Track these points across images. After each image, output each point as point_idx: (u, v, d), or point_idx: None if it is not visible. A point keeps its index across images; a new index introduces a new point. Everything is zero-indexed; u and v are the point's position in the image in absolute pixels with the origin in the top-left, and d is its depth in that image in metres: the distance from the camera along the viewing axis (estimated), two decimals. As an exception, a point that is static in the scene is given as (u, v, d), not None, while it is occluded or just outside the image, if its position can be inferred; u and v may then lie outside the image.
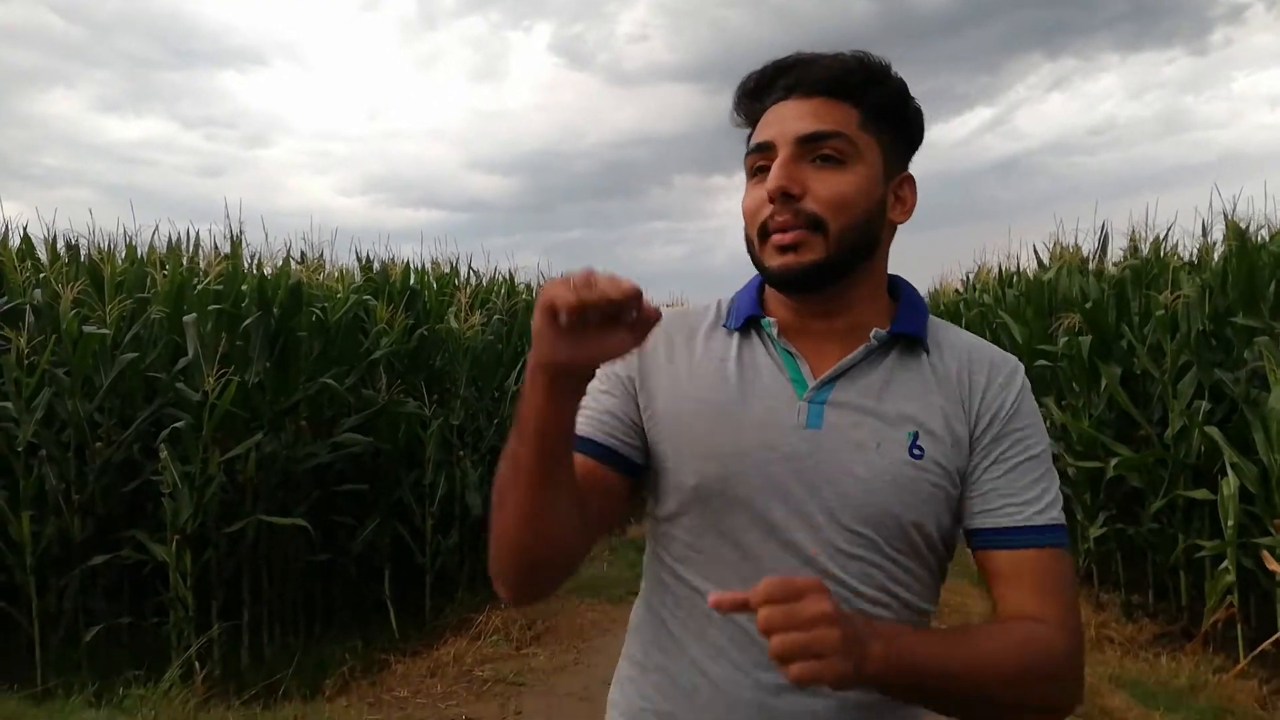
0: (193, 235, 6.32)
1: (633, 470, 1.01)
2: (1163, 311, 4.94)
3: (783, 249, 0.94)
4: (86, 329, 4.37)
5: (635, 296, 0.75)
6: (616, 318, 0.77)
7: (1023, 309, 6.48)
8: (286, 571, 4.89)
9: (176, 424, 4.30)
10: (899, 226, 1.02)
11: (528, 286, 8.09)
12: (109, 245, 5.73)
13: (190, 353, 4.54)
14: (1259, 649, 3.94)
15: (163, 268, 5.32)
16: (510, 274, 8.25)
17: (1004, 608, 0.93)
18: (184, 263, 5.70)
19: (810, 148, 0.94)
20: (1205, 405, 4.62)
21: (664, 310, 1.11)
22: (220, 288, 4.94)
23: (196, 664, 4.04)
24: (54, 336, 4.35)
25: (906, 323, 1.00)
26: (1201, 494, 4.44)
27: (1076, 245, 6.70)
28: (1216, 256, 5.43)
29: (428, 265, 7.31)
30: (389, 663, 4.49)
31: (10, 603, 4.15)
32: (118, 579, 4.53)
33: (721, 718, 0.96)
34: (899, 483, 0.93)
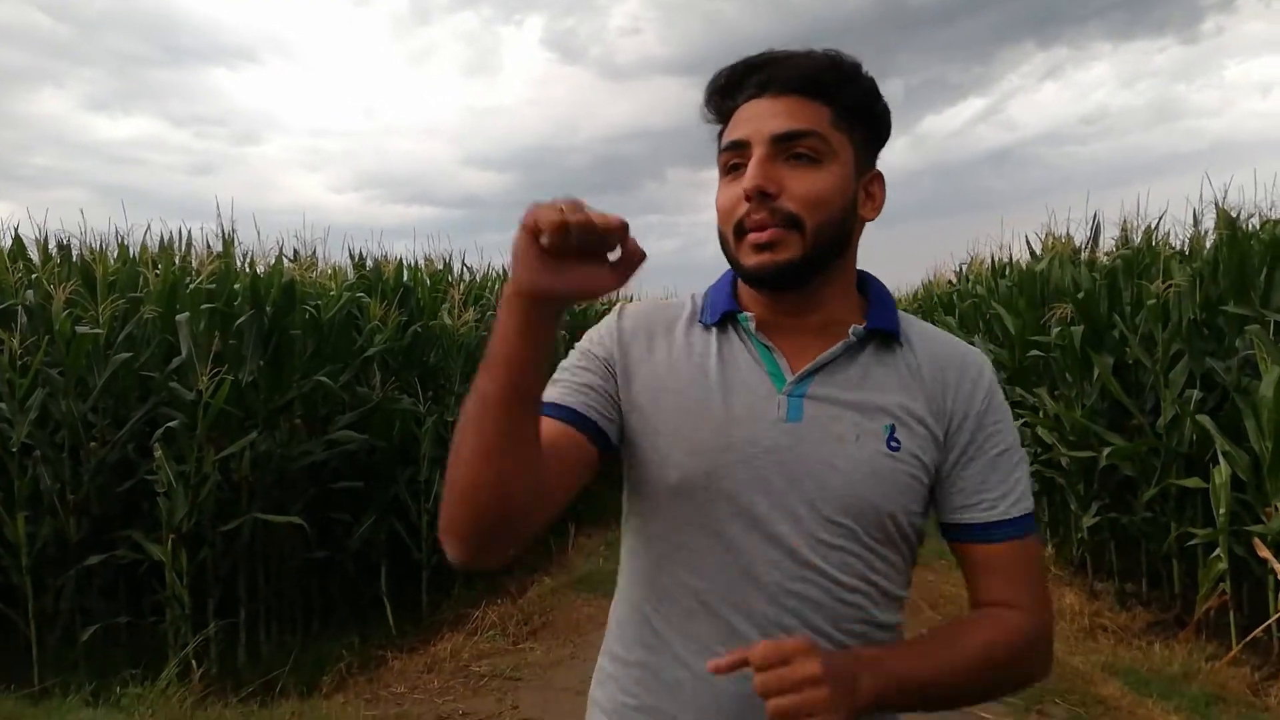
0: (184, 234, 6.32)
1: (605, 445, 1.00)
2: (1154, 301, 4.95)
3: (759, 247, 0.95)
4: (79, 329, 4.37)
5: (621, 229, 0.75)
6: (600, 251, 0.76)
7: (1015, 299, 6.49)
8: (283, 569, 4.90)
9: (171, 423, 4.31)
10: (869, 223, 1.04)
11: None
12: (101, 245, 5.72)
13: (184, 352, 4.54)
14: (1251, 636, 3.97)
15: (155, 267, 5.31)
16: (504, 270, 8.25)
17: (980, 596, 1.00)
18: (176, 262, 5.68)
19: (785, 146, 0.95)
20: (1197, 394, 4.64)
21: (640, 303, 1.13)
22: (213, 286, 4.93)
23: (193, 662, 4.04)
24: (47, 337, 4.36)
25: (881, 319, 1.02)
26: (1194, 482, 4.46)
27: (1069, 235, 6.72)
28: (1208, 245, 5.45)
29: (421, 262, 7.31)
30: (386, 659, 4.51)
31: (7, 603, 4.16)
32: (114, 578, 4.54)
33: (706, 711, 0.97)
34: (878, 474, 0.96)
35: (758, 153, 0.95)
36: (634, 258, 0.78)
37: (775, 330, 1.02)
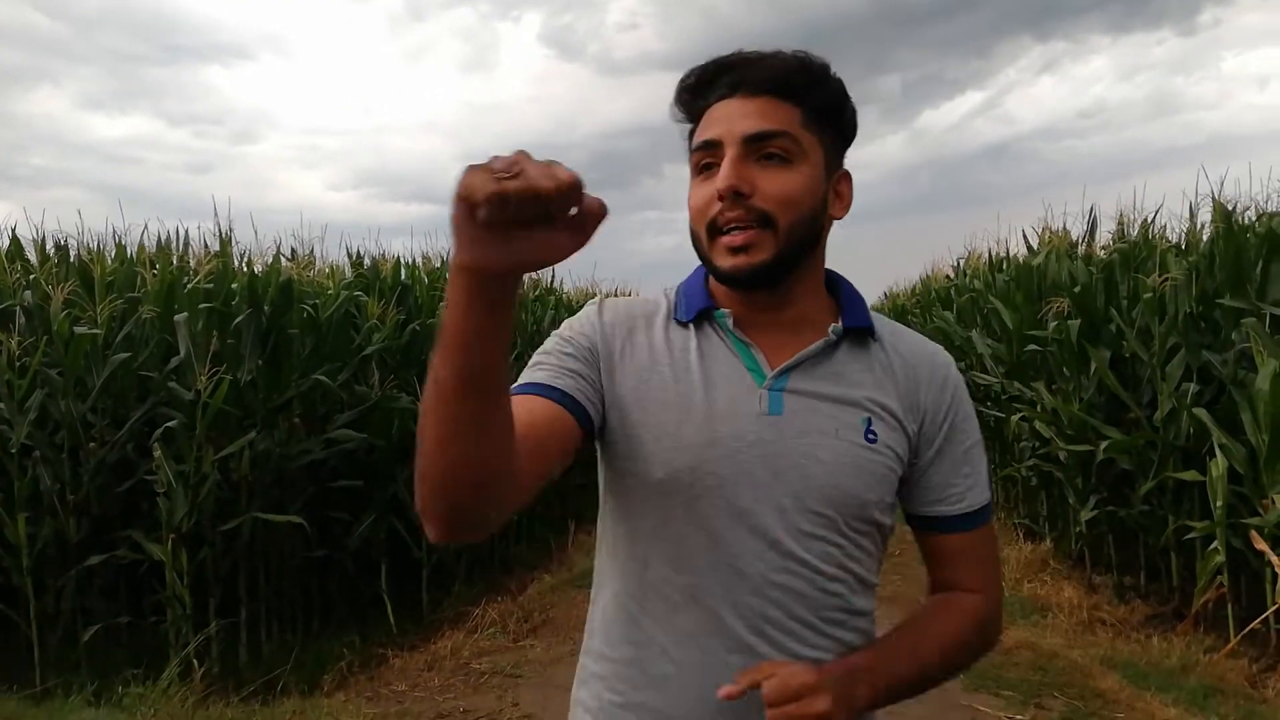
0: (182, 234, 6.33)
1: (588, 428, 1.00)
2: (1151, 294, 4.97)
3: (734, 250, 0.97)
4: (78, 329, 4.37)
5: (573, 189, 0.64)
6: (551, 214, 0.65)
7: (1012, 294, 6.51)
8: (283, 568, 4.91)
9: (170, 423, 4.31)
10: (837, 220, 1.06)
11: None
12: (98, 245, 5.73)
13: (182, 352, 4.54)
14: (1249, 628, 3.98)
15: (153, 267, 5.31)
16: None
17: (943, 580, 1.08)
18: (174, 261, 5.69)
19: (756, 146, 0.97)
20: (1194, 387, 4.65)
21: (616, 299, 1.13)
22: (211, 286, 4.93)
23: (195, 662, 4.05)
24: (45, 338, 4.36)
25: (857, 317, 1.05)
26: (1191, 475, 4.47)
27: (1065, 229, 6.74)
28: (1204, 239, 5.46)
29: (419, 260, 7.31)
30: (386, 657, 4.52)
31: (8, 604, 4.17)
32: (114, 579, 4.54)
33: (693, 704, 0.98)
34: (858, 465, 0.99)
35: (730, 153, 0.96)
36: (594, 215, 0.67)
37: (751, 326, 1.03)
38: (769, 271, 0.97)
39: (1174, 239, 5.94)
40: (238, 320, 4.74)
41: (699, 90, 1.02)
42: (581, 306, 1.13)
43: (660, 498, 0.99)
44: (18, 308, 4.52)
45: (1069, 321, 5.39)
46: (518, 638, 4.70)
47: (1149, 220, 6.16)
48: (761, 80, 0.98)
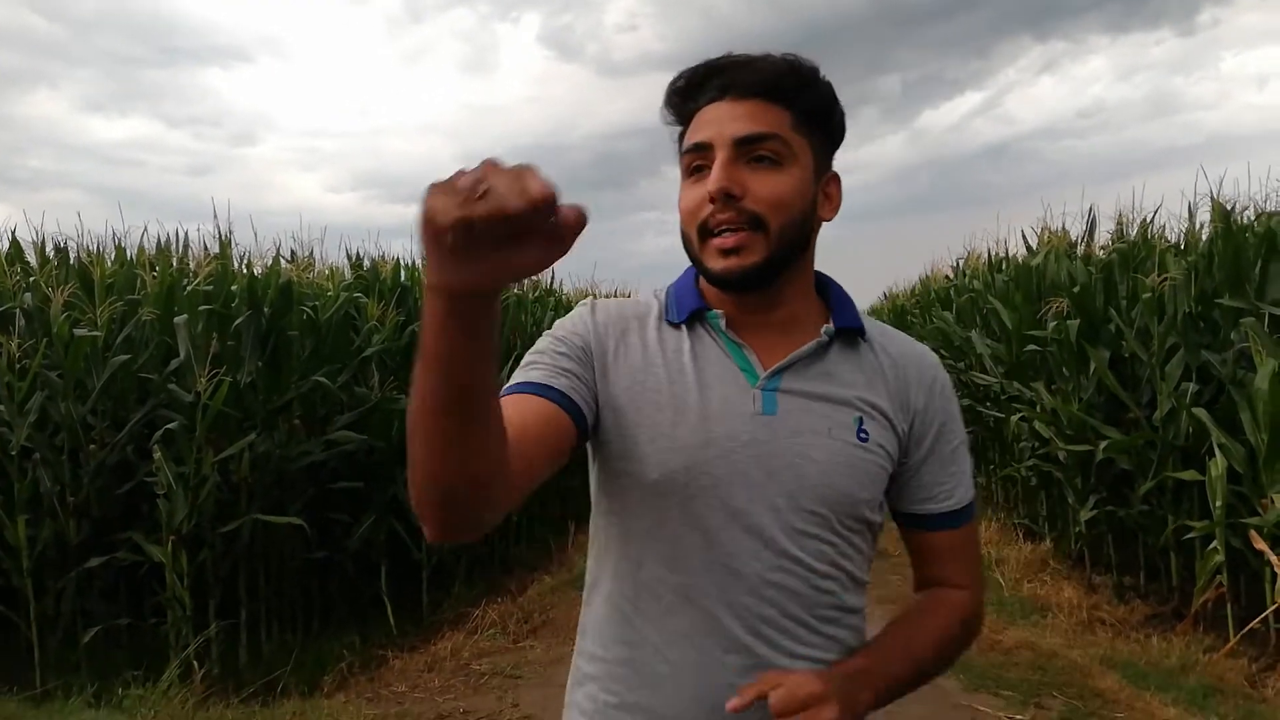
0: (181, 236, 6.34)
1: (583, 428, 0.99)
2: (1150, 294, 4.97)
3: (725, 252, 0.98)
4: (78, 332, 4.38)
5: (545, 203, 0.60)
6: (522, 232, 0.62)
7: (1012, 294, 6.52)
8: (283, 569, 4.91)
9: (170, 425, 4.31)
10: (825, 223, 1.07)
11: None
12: (98, 247, 5.74)
13: (182, 354, 4.55)
14: (1248, 627, 3.98)
15: (152, 269, 5.31)
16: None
17: (930, 577, 1.10)
18: (174, 264, 5.69)
19: (747, 149, 0.97)
20: (1193, 387, 4.65)
21: (608, 300, 1.13)
22: (210, 288, 4.94)
23: (195, 663, 4.05)
24: (45, 340, 4.36)
25: (848, 318, 1.06)
26: (1190, 475, 4.47)
27: (1064, 230, 6.75)
28: (1203, 238, 5.46)
29: (419, 261, 7.31)
30: (387, 658, 4.52)
31: (8, 606, 4.17)
32: (115, 580, 4.55)
33: (688, 703, 0.98)
34: (851, 464, 1.00)
35: (721, 155, 0.97)
36: (570, 226, 0.64)
37: (742, 328, 1.04)
38: (760, 273, 0.98)
39: (1173, 239, 5.95)
40: (237, 322, 4.74)
41: (689, 93, 1.03)
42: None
43: (655, 498, 0.99)
44: (18, 310, 4.52)
45: (1068, 321, 5.40)
46: (518, 638, 4.70)
47: (1148, 220, 6.18)
48: (751, 83, 0.98)
